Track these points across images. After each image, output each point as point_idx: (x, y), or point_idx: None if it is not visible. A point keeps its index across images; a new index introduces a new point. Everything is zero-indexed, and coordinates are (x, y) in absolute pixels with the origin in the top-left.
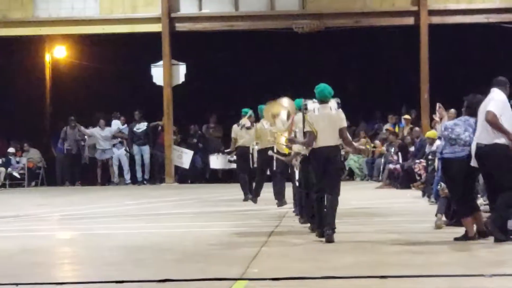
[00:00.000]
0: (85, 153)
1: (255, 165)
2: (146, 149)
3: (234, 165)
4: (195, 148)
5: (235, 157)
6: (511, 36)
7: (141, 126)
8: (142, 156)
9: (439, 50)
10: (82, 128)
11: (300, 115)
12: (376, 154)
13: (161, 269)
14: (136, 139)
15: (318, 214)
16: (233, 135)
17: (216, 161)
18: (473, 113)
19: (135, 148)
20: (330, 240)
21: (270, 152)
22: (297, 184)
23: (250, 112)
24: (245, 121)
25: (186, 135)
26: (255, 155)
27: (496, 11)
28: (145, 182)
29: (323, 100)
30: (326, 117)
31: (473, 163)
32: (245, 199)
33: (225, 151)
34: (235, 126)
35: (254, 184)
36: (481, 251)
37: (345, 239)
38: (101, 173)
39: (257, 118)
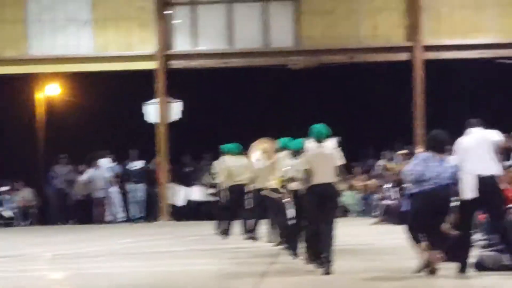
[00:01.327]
0: (75, 191)
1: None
2: (141, 187)
3: (213, 198)
4: (189, 180)
5: (214, 191)
6: (506, 71)
7: (137, 165)
8: (136, 193)
9: (434, 85)
10: (80, 178)
11: (284, 152)
12: (372, 189)
13: None
14: (131, 177)
15: (315, 246)
16: (213, 171)
17: (196, 194)
18: (433, 149)
19: (130, 186)
20: (328, 272)
21: (264, 192)
22: (288, 220)
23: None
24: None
25: (180, 167)
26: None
27: (490, 47)
28: (139, 220)
29: (319, 140)
30: (323, 156)
31: (471, 194)
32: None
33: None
34: (216, 162)
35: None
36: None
37: (340, 276)
38: (95, 212)
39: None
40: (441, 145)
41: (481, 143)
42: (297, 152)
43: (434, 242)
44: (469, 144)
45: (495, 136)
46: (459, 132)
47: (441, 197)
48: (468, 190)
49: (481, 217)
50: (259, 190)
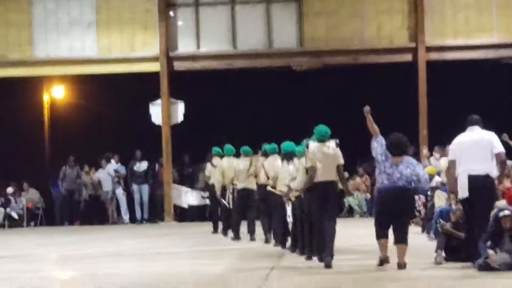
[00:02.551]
0: (83, 193)
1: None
2: (145, 188)
3: (207, 201)
4: (189, 181)
5: (208, 194)
6: (509, 71)
7: (142, 166)
8: (141, 194)
9: (438, 86)
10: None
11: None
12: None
13: None
14: (136, 178)
15: (320, 241)
16: (207, 173)
17: (191, 197)
18: (389, 151)
19: (135, 187)
20: (329, 265)
21: (268, 188)
22: (289, 219)
23: None
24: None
25: (181, 168)
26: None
27: (493, 47)
28: (144, 221)
29: (321, 140)
30: (325, 155)
31: (465, 193)
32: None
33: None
34: (209, 165)
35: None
36: (484, 285)
37: (345, 276)
38: (100, 213)
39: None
40: (395, 149)
41: (479, 143)
42: (289, 154)
43: (397, 239)
44: (467, 142)
45: (497, 146)
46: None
47: (394, 195)
48: (462, 189)
49: None
50: (244, 189)
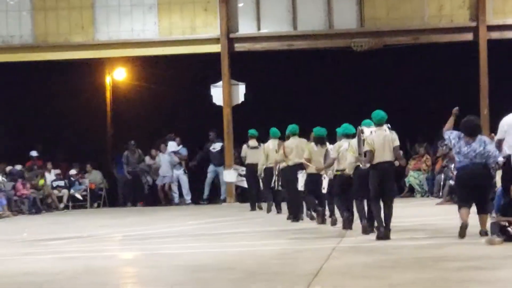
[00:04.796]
0: (146, 177)
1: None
2: (222, 170)
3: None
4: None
5: (244, 172)
6: None
7: (217, 146)
8: (217, 175)
9: (499, 65)
10: (147, 159)
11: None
12: (436, 170)
13: None
14: (213, 159)
15: (378, 216)
16: (242, 154)
17: (229, 175)
18: (464, 132)
19: (211, 167)
20: (387, 237)
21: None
22: (324, 190)
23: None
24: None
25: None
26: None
27: None
28: (207, 201)
29: (379, 124)
30: (382, 137)
31: None
32: (252, 209)
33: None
34: (244, 146)
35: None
36: None
37: (406, 255)
38: (163, 194)
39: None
40: (469, 130)
41: None
42: (320, 139)
43: (479, 209)
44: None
45: None
46: None
47: (471, 172)
48: None
49: None
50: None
